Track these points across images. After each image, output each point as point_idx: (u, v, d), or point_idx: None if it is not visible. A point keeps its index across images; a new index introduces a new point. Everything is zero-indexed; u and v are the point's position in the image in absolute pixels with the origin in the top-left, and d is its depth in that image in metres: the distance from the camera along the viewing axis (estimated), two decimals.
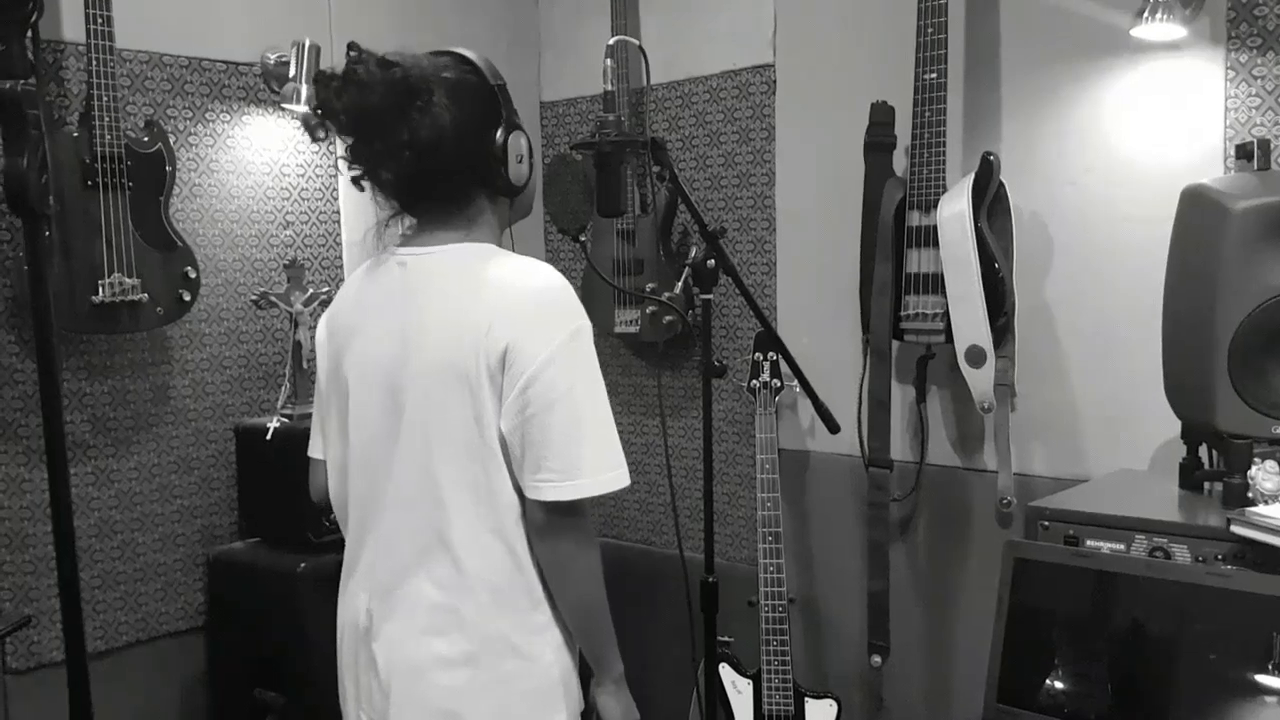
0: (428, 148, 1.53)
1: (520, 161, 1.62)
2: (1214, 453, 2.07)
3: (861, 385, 2.66)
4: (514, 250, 1.71)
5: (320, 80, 1.58)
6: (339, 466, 1.70)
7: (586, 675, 1.70)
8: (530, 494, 1.54)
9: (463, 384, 1.52)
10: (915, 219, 2.48)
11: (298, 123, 2.92)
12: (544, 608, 1.61)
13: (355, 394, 1.65)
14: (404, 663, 1.60)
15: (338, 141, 1.63)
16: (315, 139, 1.59)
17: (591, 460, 1.54)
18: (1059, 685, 1.77)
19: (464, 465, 1.55)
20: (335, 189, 3.03)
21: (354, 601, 1.67)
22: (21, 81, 1.70)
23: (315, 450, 1.81)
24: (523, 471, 1.54)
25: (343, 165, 1.61)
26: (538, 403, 1.51)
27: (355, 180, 1.61)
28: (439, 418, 1.55)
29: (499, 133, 1.59)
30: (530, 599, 1.59)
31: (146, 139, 2.52)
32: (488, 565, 1.56)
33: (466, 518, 1.56)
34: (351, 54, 1.56)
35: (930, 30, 2.40)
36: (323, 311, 2.90)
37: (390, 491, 1.60)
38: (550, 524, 1.55)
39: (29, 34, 1.73)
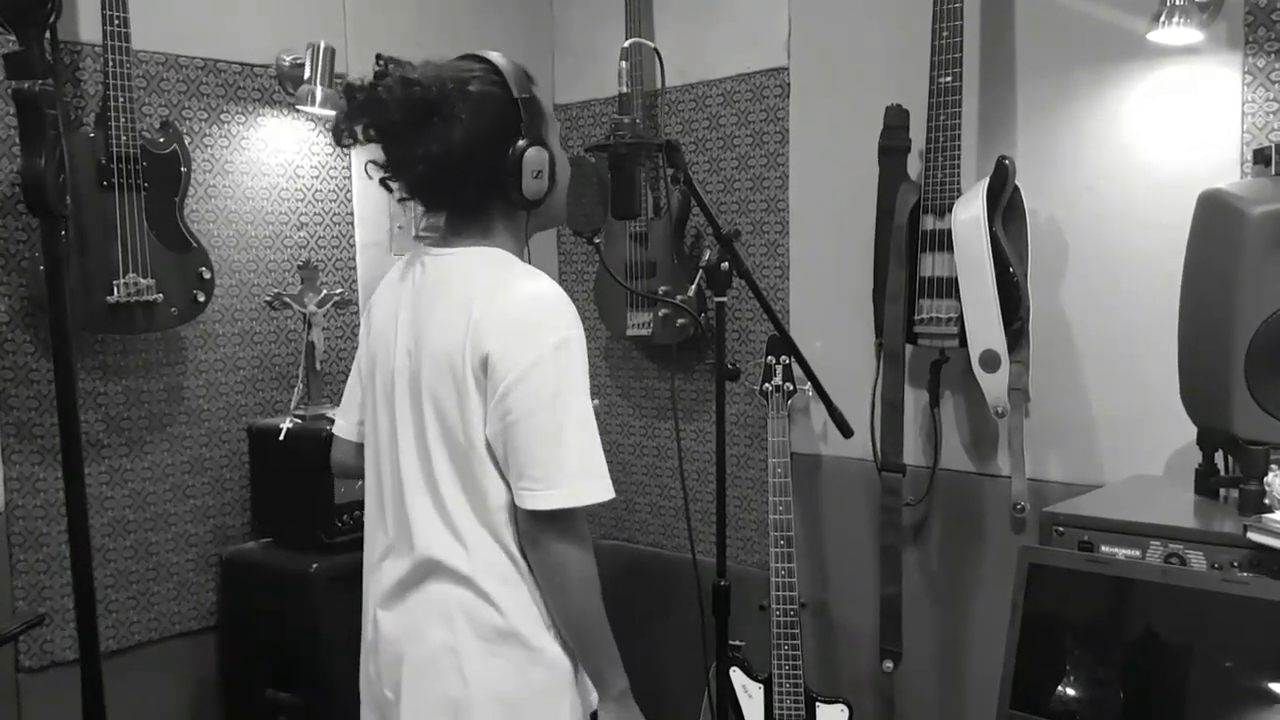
0: (438, 162, 1.58)
1: (537, 176, 1.63)
2: (1230, 459, 2.06)
3: (874, 389, 2.66)
4: (526, 249, 1.73)
5: (348, 92, 1.61)
6: (369, 449, 1.76)
7: None
8: (517, 501, 1.56)
9: (454, 384, 1.57)
10: (929, 223, 2.48)
11: (312, 124, 2.94)
12: (545, 605, 1.63)
13: (380, 384, 1.71)
14: (412, 652, 1.63)
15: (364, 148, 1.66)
16: (341, 145, 1.63)
17: (572, 470, 1.54)
18: (1072, 692, 1.76)
19: (455, 463, 1.59)
20: (349, 191, 3.04)
21: (372, 588, 1.72)
22: (40, 82, 1.71)
23: (339, 427, 1.87)
24: (509, 477, 1.57)
25: (372, 170, 1.66)
26: (518, 409, 1.53)
27: (383, 182, 1.66)
28: (435, 414, 1.60)
29: (517, 147, 1.60)
30: (533, 594, 1.61)
31: (162, 140, 2.53)
32: (487, 558, 1.59)
33: (463, 512, 1.59)
34: (378, 66, 1.59)
35: (945, 34, 2.39)
36: (335, 313, 2.93)
37: (400, 481, 1.65)
38: (538, 532, 1.57)
39: (47, 35, 1.73)
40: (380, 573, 1.70)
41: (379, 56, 1.60)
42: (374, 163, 1.65)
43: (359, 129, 1.61)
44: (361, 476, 1.79)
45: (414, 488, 1.63)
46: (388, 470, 1.69)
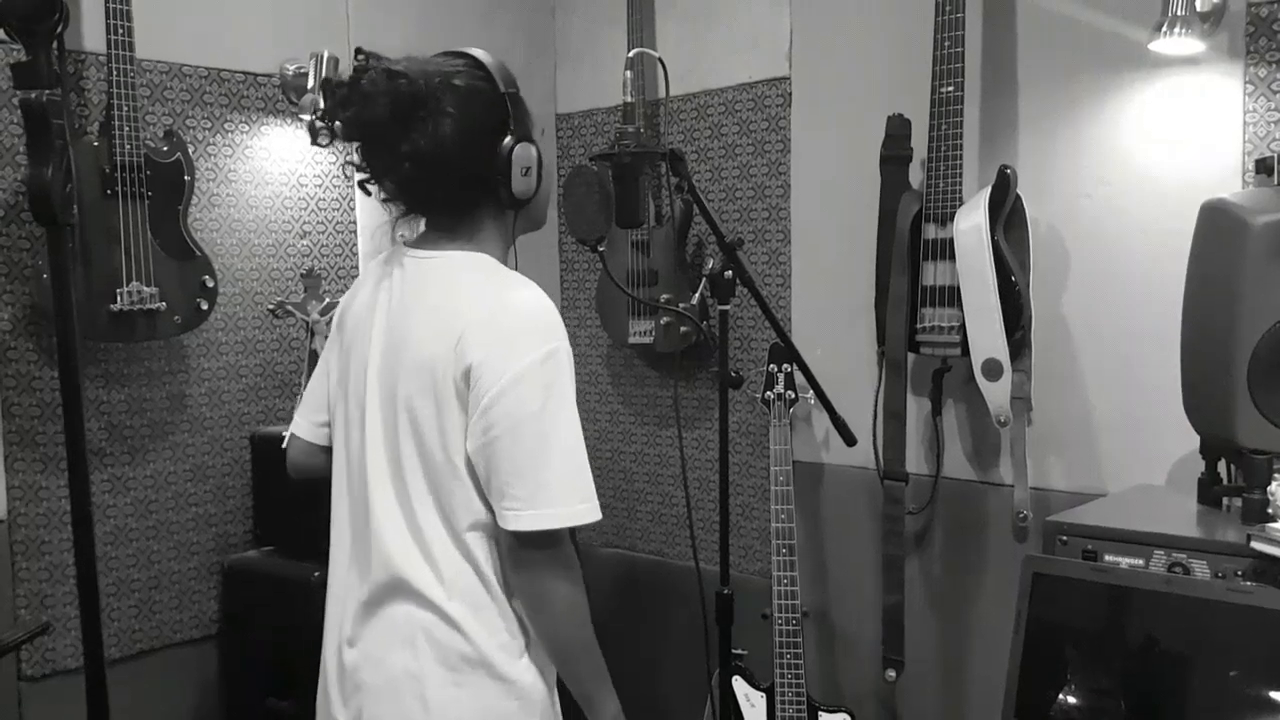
0: (428, 159, 1.51)
1: (526, 174, 1.57)
2: (1233, 468, 2.06)
3: (877, 398, 2.66)
4: (519, 259, 1.68)
5: (327, 88, 1.56)
6: (338, 460, 1.68)
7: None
8: (500, 522, 1.49)
9: (433, 396, 1.50)
10: (931, 232, 2.48)
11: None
12: (520, 631, 1.56)
13: (351, 391, 1.63)
14: (369, 679, 1.55)
15: (350, 148, 1.62)
16: (317, 143, 1.58)
17: (558, 488, 1.47)
18: (1076, 701, 1.76)
19: (430, 479, 1.52)
20: (352, 199, 3.05)
21: (335, 612, 1.64)
22: (47, 92, 1.71)
23: (297, 426, 1.78)
24: (491, 496, 1.50)
25: (350, 170, 1.60)
26: (501, 424, 1.46)
27: (362, 185, 1.60)
28: (411, 427, 1.53)
29: (505, 143, 1.56)
30: (506, 620, 1.54)
31: (166, 149, 2.53)
32: (458, 581, 1.52)
33: (436, 531, 1.52)
34: (358, 61, 1.54)
35: (947, 43, 2.40)
36: None
37: (368, 495, 1.57)
38: (522, 555, 1.50)
39: (54, 44, 1.74)
40: (344, 595, 1.61)
41: (359, 51, 1.53)
42: (353, 163, 1.57)
43: (339, 126, 1.54)
44: (319, 478, 1.70)
45: (383, 503, 1.55)
46: (356, 483, 1.60)
